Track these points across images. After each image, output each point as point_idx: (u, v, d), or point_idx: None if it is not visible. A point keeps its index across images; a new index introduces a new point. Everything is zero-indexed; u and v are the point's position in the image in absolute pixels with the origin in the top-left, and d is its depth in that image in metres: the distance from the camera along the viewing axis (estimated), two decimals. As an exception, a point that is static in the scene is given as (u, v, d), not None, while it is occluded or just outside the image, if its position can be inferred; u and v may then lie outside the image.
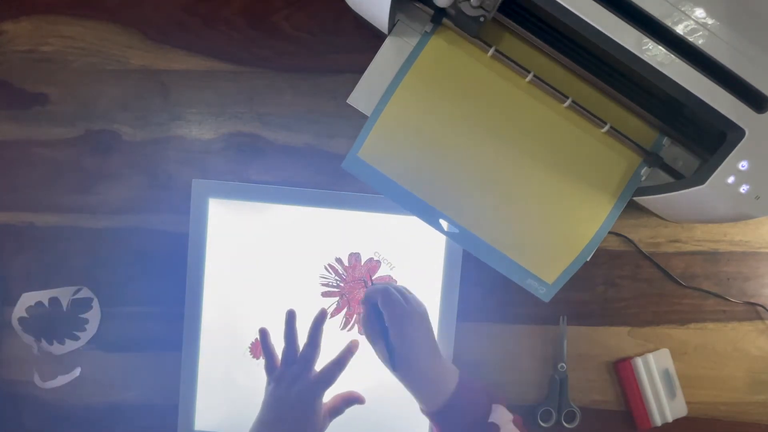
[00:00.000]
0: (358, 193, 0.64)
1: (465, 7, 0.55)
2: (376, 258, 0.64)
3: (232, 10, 0.64)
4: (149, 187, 0.64)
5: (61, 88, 0.64)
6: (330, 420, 0.59)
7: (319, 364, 0.60)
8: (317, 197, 0.64)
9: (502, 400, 0.56)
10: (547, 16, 0.58)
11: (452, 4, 0.56)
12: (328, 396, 0.59)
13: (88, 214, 0.64)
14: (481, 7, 0.55)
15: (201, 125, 0.64)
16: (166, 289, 0.64)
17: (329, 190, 0.64)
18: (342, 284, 0.65)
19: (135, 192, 0.64)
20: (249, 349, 0.65)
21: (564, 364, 0.64)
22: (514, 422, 0.54)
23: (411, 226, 0.64)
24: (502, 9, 0.56)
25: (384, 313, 0.55)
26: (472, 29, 0.57)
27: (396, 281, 0.65)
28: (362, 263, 0.64)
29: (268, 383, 0.59)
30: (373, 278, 0.64)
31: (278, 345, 0.62)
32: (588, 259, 0.61)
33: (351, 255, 0.64)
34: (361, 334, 0.64)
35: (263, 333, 0.61)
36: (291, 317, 0.61)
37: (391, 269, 0.65)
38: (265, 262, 0.65)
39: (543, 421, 0.64)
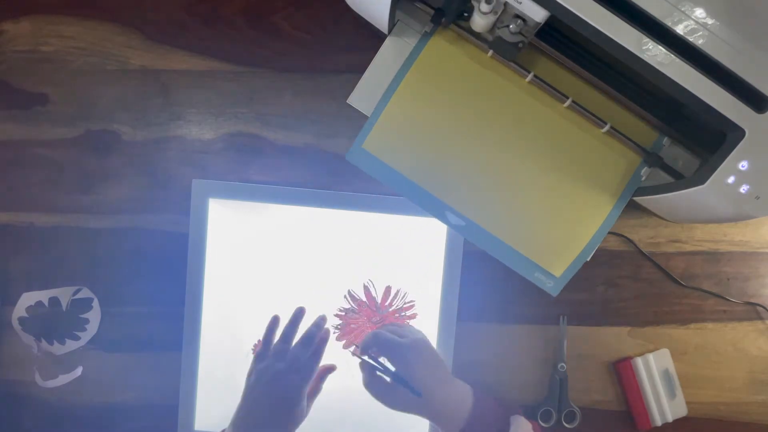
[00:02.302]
0: (357, 194, 0.64)
1: (504, 34, 0.54)
2: (409, 300, 0.65)
3: (232, 10, 0.64)
4: (149, 187, 0.64)
5: (61, 88, 0.64)
6: (312, 401, 0.58)
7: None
8: (317, 197, 0.64)
9: (518, 411, 0.56)
10: (551, 20, 0.57)
11: (490, 29, 0.55)
12: None
13: (88, 214, 0.64)
14: (520, 33, 0.54)
15: (201, 125, 0.64)
16: (166, 289, 0.64)
17: (329, 190, 0.64)
18: (356, 315, 0.65)
19: (135, 192, 0.64)
20: (252, 350, 0.65)
21: (564, 364, 0.64)
22: (534, 430, 0.54)
23: (411, 226, 0.64)
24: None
25: (385, 357, 0.55)
26: (510, 54, 0.56)
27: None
28: (390, 299, 0.65)
29: (250, 372, 0.58)
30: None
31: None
32: (588, 259, 0.61)
33: (388, 289, 0.65)
34: (353, 354, 0.64)
35: (275, 320, 0.60)
36: (299, 314, 0.61)
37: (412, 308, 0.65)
38: (265, 262, 0.65)
39: (543, 421, 0.64)
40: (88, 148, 0.64)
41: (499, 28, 0.54)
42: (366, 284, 0.64)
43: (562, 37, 0.59)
